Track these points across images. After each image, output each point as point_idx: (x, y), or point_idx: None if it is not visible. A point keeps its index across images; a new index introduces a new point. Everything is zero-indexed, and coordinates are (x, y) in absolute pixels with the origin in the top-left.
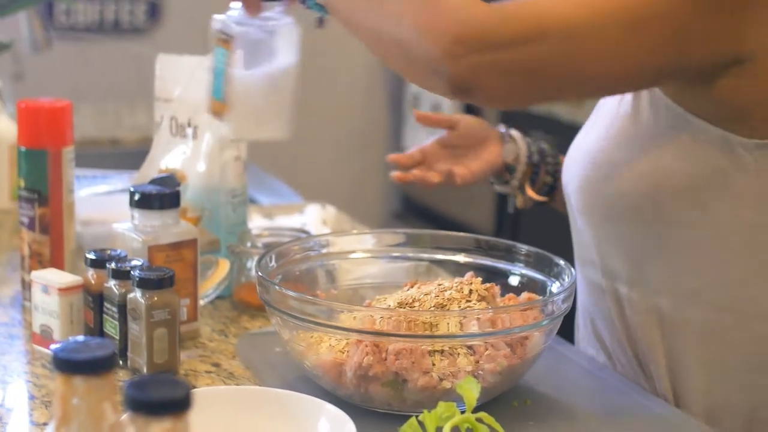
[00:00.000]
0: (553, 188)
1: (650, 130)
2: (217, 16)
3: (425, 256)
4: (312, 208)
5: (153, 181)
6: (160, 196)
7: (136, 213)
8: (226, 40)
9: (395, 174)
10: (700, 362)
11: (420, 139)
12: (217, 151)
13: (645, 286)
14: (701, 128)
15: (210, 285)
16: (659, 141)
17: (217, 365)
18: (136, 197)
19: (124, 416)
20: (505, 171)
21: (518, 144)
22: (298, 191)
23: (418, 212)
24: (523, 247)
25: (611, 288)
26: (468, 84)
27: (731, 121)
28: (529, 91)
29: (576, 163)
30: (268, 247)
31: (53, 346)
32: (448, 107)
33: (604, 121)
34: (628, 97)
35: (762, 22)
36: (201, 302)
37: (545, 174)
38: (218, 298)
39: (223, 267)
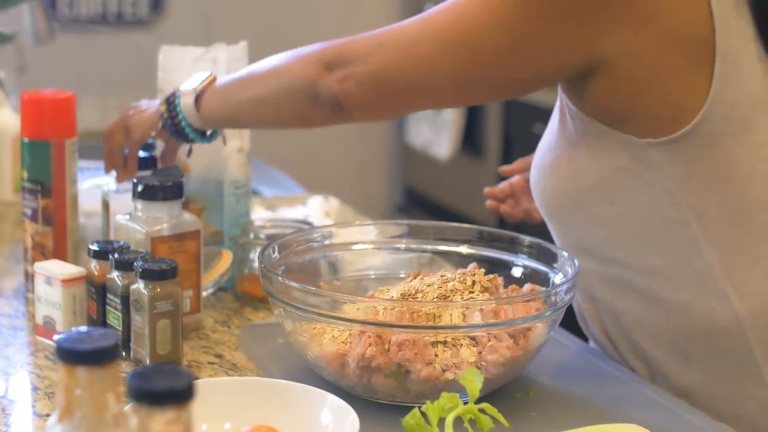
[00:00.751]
0: None
1: (569, 135)
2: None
3: (428, 247)
4: (315, 199)
5: (156, 173)
6: (164, 188)
7: (140, 204)
8: (105, 205)
9: (490, 203)
10: (634, 350)
11: (423, 132)
12: (220, 142)
13: (581, 277)
14: (603, 131)
15: (213, 276)
16: (575, 145)
17: (220, 356)
18: (140, 188)
19: (128, 406)
20: None
21: None
22: (302, 183)
23: (421, 204)
24: (526, 239)
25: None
26: (340, 99)
27: (621, 122)
28: (384, 100)
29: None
30: (271, 239)
31: (57, 337)
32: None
33: (548, 127)
34: (558, 105)
35: (608, 30)
36: (204, 293)
37: None
38: (221, 289)
39: (227, 258)
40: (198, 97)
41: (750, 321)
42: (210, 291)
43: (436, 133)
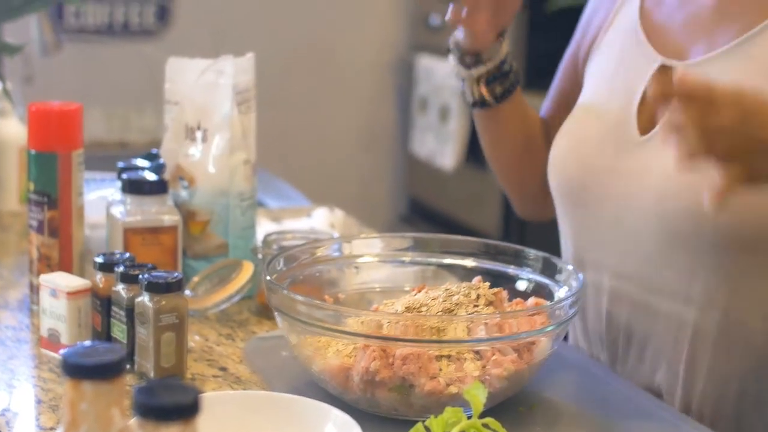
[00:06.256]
0: (501, 98)
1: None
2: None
3: (433, 260)
4: (320, 211)
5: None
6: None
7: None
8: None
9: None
10: (707, 366)
11: (428, 143)
12: (226, 154)
13: (627, 281)
14: None
15: (234, 287)
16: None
17: (224, 369)
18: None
19: (132, 421)
20: (476, 56)
21: (503, 46)
22: (306, 194)
23: (425, 215)
24: (531, 252)
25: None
26: None
27: None
28: None
29: (563, 162)
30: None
31: (62, 351)
32: (456, 112)
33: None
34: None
35: None
36: (227, 304)
37: (503, 83)
38: (243, 299)
39: (248, 269)
40: None
41: None
42: (232, 302)
43: (440, 143)
